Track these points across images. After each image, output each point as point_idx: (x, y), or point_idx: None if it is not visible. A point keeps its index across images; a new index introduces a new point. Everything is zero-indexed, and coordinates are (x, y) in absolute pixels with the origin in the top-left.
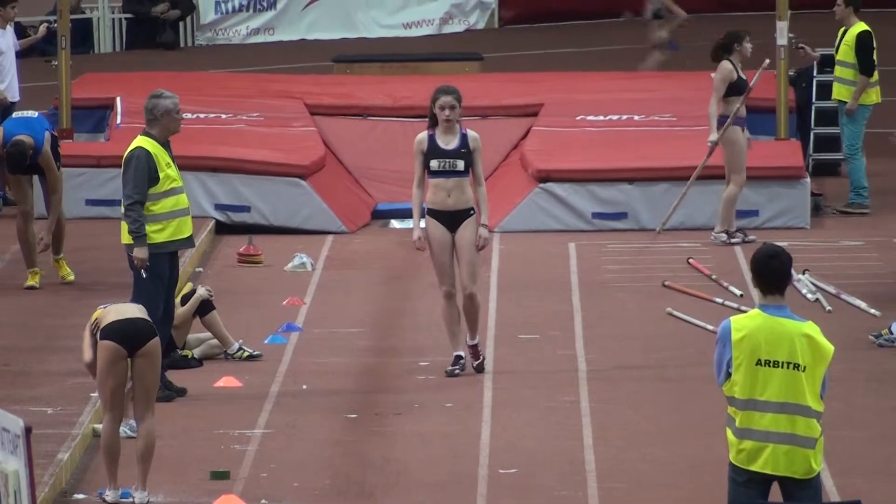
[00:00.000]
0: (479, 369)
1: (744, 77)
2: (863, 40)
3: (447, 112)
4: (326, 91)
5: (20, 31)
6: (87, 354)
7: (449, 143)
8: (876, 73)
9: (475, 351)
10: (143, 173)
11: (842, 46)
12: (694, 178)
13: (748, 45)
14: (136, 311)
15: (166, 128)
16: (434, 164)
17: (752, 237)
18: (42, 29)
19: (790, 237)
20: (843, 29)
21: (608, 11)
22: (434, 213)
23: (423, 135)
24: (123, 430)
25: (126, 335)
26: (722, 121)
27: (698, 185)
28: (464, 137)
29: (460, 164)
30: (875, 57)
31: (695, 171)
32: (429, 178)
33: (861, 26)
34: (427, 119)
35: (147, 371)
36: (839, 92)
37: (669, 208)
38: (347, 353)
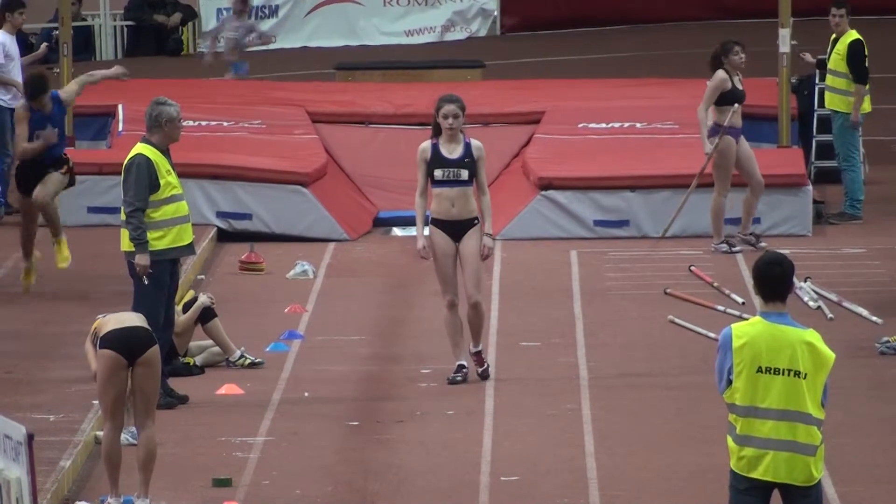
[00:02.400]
0: (484, 376)
1: (739, 87)
2: (855, 49)
3: (451, 121)
4: (328, 98)
5: (22, 39)
6: (95, 366)
7: (452, 152)
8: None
9: (479, 358)
10: (143, 180)
11: (833, 55)
12: (693, 187)
13: (735, 57)
14: (135, 319)
15: (168, 136)
16: (438, 173)
17: (763, 244)
18: (42, 48)
19: (792, 245)
20: (833, 37)
21: (610, 19)
22: (438, 223)
23: (427, 144)
24: (125, 437)
25: (125, 344)
26: (715, 129)
27: (700, 193)
28: (467, 146)
29: (464, 174)
30: (867, 65)
31: (693, 181)
32: (432, 188)
33: (853, 35)
34: (430, 127)
35: (147, 379)
36: (832, 101)
37: (670, 215)
38: (349, 360)
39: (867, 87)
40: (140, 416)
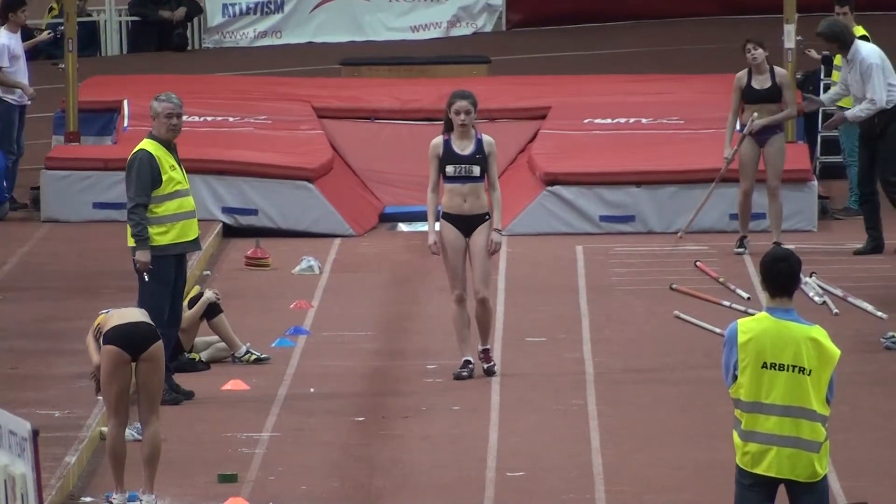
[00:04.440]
0: (490, 373)
1: (756, 87)
2: None
3: (462, 116)
4: (334, 94)
5: (26, 34)
6: (95, 358)
7: (464, 148)
8: None
9: (486, 356)
10: (145, 176)
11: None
12: (712, 188)
13: (747, 55)
14: (138, 315)
15: (158, 130)
16: (450, 169)
17: (741, 250)
18: (45, 34)
19: (798, 240)
20: None
21: (616, 14)
22: (449, 218)
23: (439, 140)
24: (130, 433)
25: (129, 340)
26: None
27: (705, 189)
28: (479, 143)
29: (476, 170)
30: None
31: (712, 186)
32: (444, 183)
33: (858, 31)
34: (435, 123)
35: (151, 375)
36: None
37: (677, 211)
38: (355, 356)
39: None
40: (144, 412)
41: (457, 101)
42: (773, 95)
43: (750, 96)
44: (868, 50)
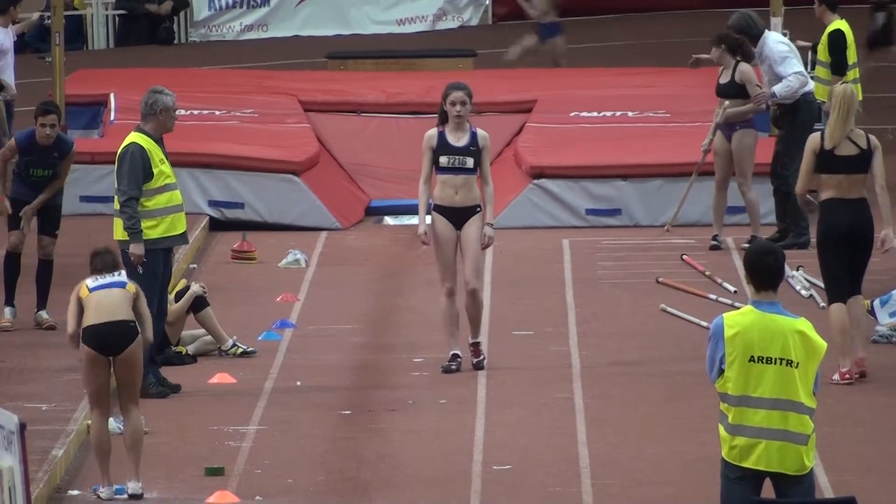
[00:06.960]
0: (479, 367)
1: (720, 81)
2: (834, 39)
3: (458, 108)
4: (320, 87)
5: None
6: (71, 325)
7: (459, 139)
8: (855, 72)
9: (476, 350)
10: (137, 169)
11: (819, 46)
12: (691, 181)
13: (714, 51)
14: (117, 307)
15: (162, 125)
16: (443, 160)
17: (718, 243)
18: (35, 16)
19: None
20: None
21: (602, 7)
22: (440, 210)
23: (433, 131)
24: (115, 425)
25: (104, 343)
26: (721, 126)
27: (695, 182)
28: (473, 135)
29: (469, 162)
30: (853, 55)
31: (691, 177)
32: (437, 175)
33: (835, 25)
34: (421, 116)
35: (128, 371)
36: (818, 91)
37: (663, 204)
38: (341, 349)
39: (852, 76)
40: (124, 404)
41: (452, 92)
42: (729, 91)
43: (716, 90)
44: (773, 39)
